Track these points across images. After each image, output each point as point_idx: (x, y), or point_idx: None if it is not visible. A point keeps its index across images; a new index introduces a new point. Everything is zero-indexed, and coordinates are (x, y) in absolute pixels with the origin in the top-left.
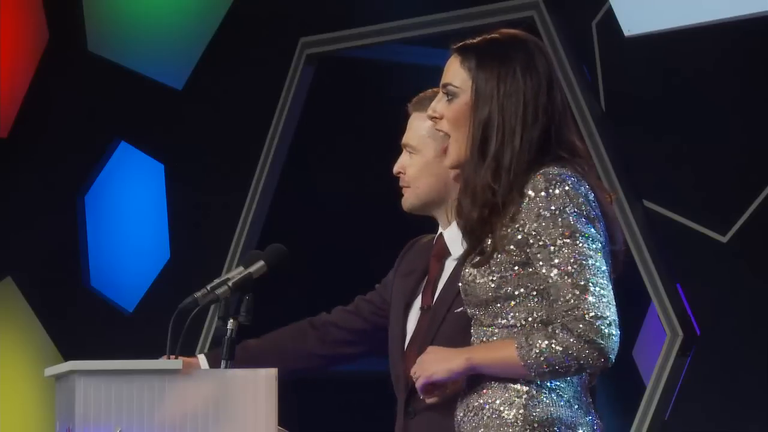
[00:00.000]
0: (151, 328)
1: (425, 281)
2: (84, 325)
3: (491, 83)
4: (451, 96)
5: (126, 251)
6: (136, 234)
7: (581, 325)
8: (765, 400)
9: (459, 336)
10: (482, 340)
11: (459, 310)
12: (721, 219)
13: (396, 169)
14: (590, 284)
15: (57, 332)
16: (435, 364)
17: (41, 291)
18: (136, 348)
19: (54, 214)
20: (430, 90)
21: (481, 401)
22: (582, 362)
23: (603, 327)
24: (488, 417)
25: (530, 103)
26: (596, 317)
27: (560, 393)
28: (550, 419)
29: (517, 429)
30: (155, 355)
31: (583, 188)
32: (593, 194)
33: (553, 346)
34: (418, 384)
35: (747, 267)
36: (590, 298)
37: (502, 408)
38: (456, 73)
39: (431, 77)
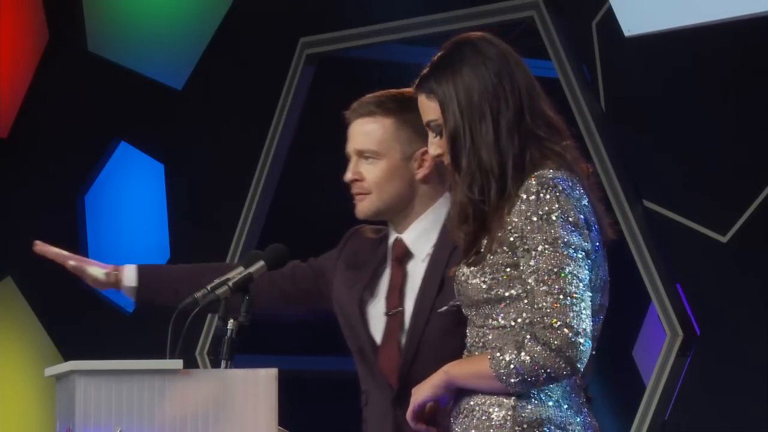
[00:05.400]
0: (151, 328)
1: (388, 286)
2: (84, 325)
3: (449, 91)
4: (437, 130)
5: (126, 251)
6: (136, 234)
7: (548, 334)
8: (765, 400)
9: (446, 336)
10: (475, 341)
11: (442, 309)
12: (721, 219)
13: (351, 176)
14: (563, 293)
15: (57, 332)
16: (418, 390)
17: (41, 291)
18: (136, 348)
19: (54, 214)
20: (368, 95)
21: (472, 403)
22: (550, 371)
23: (571, 336)
24: (478, 418)
25: (493, 90)
26: (564, 326)
27: (549, 393)
28: (539, 420)
29: (506, 430)
30: (155, 355)
31: (576, 192)
32: (587, 199)
33: (521, 355)
34: (408, 414)
35: (747, 267)
36: (561, 308)
37: (491, 409)
38: (428, 107)
39: None
